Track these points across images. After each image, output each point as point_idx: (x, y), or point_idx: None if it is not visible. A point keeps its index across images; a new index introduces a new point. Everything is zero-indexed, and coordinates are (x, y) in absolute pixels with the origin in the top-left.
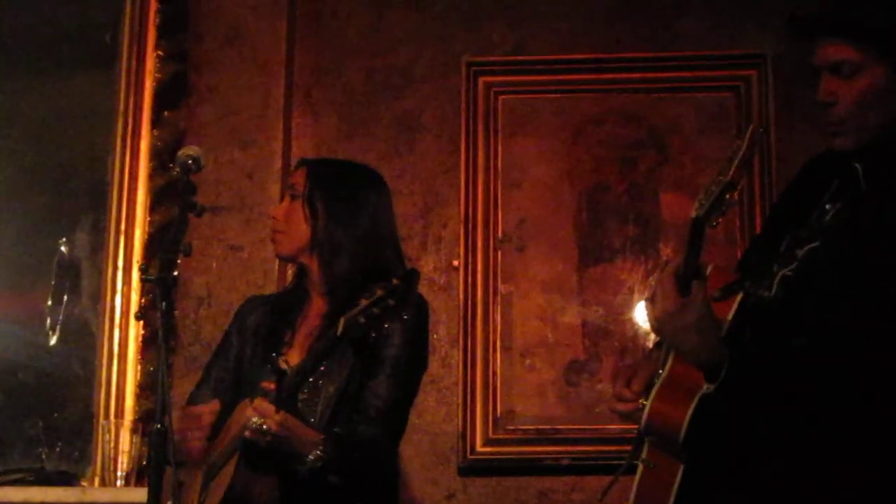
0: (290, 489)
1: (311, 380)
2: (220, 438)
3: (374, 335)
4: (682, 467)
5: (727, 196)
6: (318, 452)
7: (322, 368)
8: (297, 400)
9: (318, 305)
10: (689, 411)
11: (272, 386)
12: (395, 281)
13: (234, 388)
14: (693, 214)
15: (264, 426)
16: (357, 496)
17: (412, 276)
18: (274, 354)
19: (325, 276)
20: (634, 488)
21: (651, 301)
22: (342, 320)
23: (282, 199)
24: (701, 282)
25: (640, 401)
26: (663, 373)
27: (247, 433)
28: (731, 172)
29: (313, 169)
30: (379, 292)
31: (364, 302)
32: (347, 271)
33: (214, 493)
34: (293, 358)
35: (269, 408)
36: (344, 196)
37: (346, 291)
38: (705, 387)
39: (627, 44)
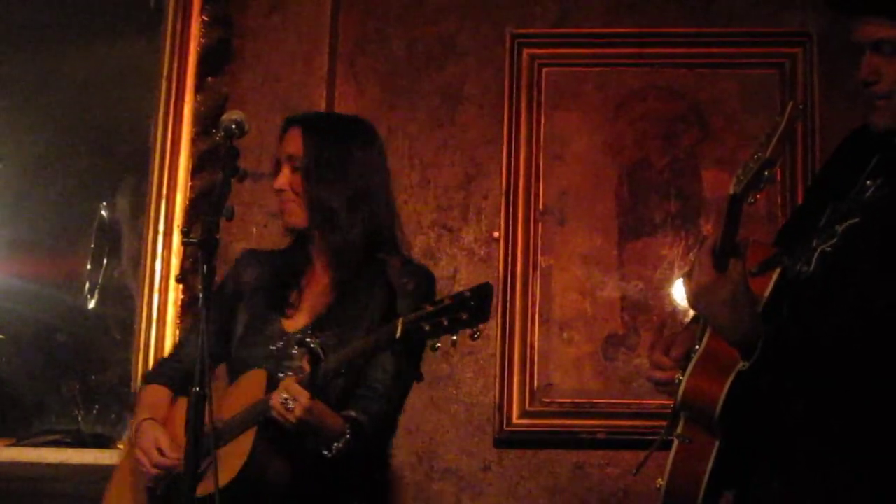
0: (305, 469)
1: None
2: (226, 401)
3: (438, 346)
4: (717, 443)
5: (765, 172)
6: (343, 442)
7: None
8: (329, 386)
9: (322, 274)
10: (725, 387)
11: (307, 368)
12: (466, 293)
13: (223, 341)
14: (731, 191)
15: (291, 405)
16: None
17: (485, 289)
18: (288, 326)
19: (328, 245)
20: (669, 463)
21: (688, 276)
22: (400, 322)
23: (277, 168)
24: (738, 258)
25: (676, 376)
26: (700, 348)
27: (273, 413)
28: (769, 149)
29: (306, 130)
30: (447, 301)
31: (429, 308)
32: (348, 239)
33: (228, 465)
34: (298, 321)
35: (301, 392)
36: (332, 156)
37: (352, 261)
38: (741, 363)
39: (672, 18)
